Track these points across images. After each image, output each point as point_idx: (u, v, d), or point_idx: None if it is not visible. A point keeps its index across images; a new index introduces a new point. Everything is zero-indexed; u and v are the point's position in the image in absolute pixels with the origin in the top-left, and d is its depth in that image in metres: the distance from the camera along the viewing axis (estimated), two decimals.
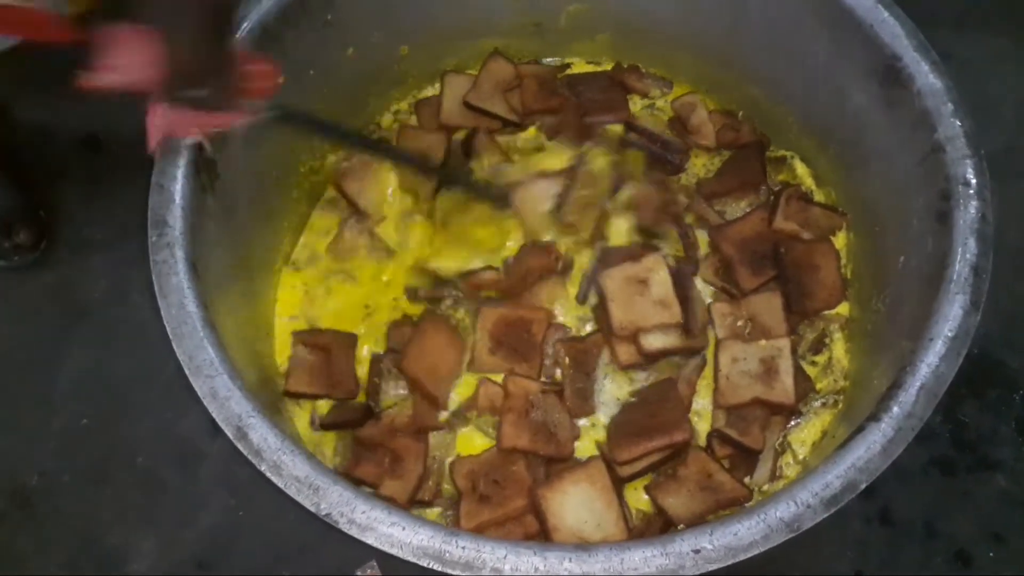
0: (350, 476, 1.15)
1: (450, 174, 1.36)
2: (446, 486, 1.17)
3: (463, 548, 0.82)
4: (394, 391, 1.22)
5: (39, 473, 1.38)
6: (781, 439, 1.21)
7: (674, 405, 1.18)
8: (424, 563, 0.82)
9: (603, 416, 1.22)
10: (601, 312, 1.24)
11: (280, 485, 0.86)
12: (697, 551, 0.83)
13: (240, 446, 0.88)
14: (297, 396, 1.21)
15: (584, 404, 1.21)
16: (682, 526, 1.14)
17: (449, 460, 1.18)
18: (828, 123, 1.32)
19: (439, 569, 0.82)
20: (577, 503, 1.09)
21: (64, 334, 1.50)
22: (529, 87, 1.46)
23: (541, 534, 1.10)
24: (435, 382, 1.20)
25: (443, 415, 1.21)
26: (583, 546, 0.83)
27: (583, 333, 1.27)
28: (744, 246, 1.31)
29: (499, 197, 1.31)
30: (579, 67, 1.54)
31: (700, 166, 1.42)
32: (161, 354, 0.97)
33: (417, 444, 1.17)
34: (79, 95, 0.89)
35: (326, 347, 1.23)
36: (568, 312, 1.29)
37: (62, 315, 1.51)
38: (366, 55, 1.37)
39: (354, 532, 0.84)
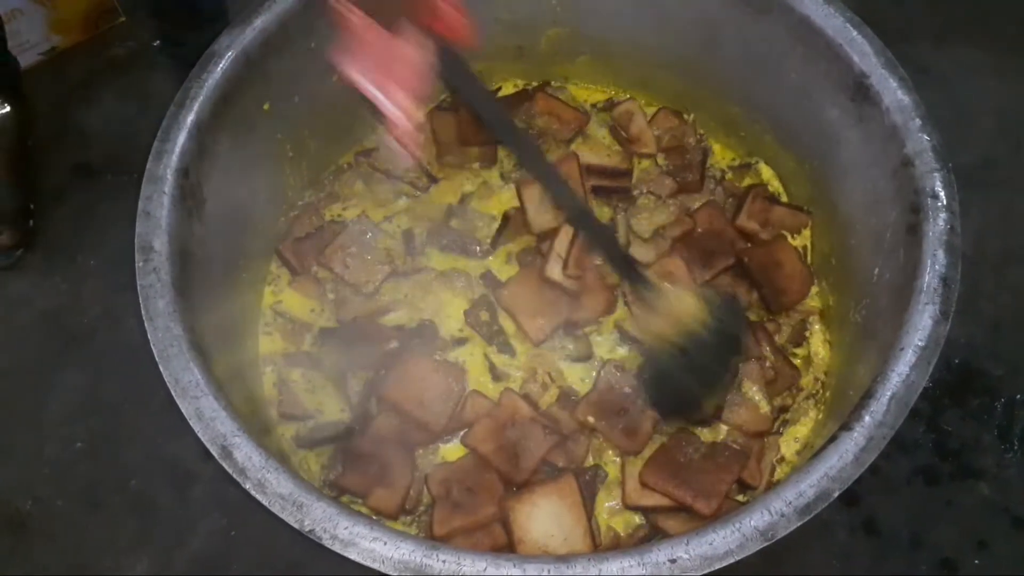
0: (337, 485, 1.17)
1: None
2: (425, 494, 1.19)
3: (443, 562, 0.84)
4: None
5: (32, 498, 1.39)
6: (775, 461, 1.23)
7: (723, 479, 1.15)
8: None
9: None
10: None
11: (264, 503, 0.88)
12: (673, 560, 0.84)
13: (225, 465, 0.90)
14: (289, 418, 1.24)
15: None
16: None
17: (426, 471, 1.19)
18: (804, 139, 1.35)
19: None
20: (545, 516, 1.10)
21: (57, 359, 1.51)
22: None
23: (508, 546, 1.11)
24: (422, 410, 1.20)
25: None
26: (563, 558, 0.84)
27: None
28: (693, 244, 1.36)
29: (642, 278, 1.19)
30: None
31: (642, 171, 1.46)
32: (153, 378, 0.98)
33: (405, 454, 1.18)
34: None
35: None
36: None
37: (55, 340, 1.53)
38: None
39: (337, 548, 0.85)
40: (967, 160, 1.63)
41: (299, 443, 1.21)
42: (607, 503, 1.20)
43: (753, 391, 1.24)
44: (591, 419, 1.21)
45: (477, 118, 1.23)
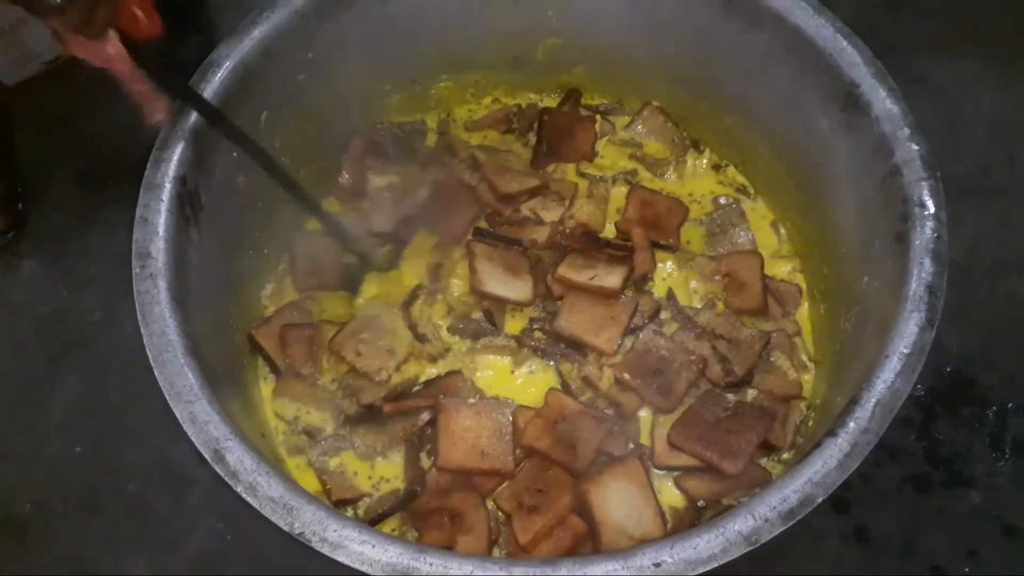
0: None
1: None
2: (501, 516, 1.19)
3: (430, 564, 0.85)
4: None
5: (31, 501, 1.40)
6: (798, 422, 1.27)
7: (749, 439, 1.18)
8: None
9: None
10: None
11: (256, 506, 0.89)
12: (657, 564, 0.85)
13: (218, 468, 0.91)
14: (344, 504, 1.22)
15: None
16: (702, 503, 1.19)
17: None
18: (795, 148, 1.36)
19: None
20: (619, 498, 1.14)
21: (58, 364, 1.53)
22: None
23: (590, 535, 1.13)
24: (487, 459, 1.19)
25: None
26: (548, 560, 0.86)
27: None
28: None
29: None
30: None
31: None
32: (152, 383, 1.00)
33: (471, 495, 1.18)
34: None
35: None
36: None
37: (56, 346, 1.54)
38: (348, 91, 1.42)
39: (326, 550, 0.87)
40: (961, 170, 1.64)
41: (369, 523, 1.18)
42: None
43: (781, 359, 1.31)
44: (627, 376, 1.25)
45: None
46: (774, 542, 0.93)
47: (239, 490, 0.90)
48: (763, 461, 1.24)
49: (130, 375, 1.48)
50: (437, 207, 1.42)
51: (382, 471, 1.23)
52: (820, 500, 0.89)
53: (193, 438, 0.93)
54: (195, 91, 1.14)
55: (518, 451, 1.20)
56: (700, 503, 1.20)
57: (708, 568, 0.86)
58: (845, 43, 1.21)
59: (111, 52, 0.96)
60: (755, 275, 1.35)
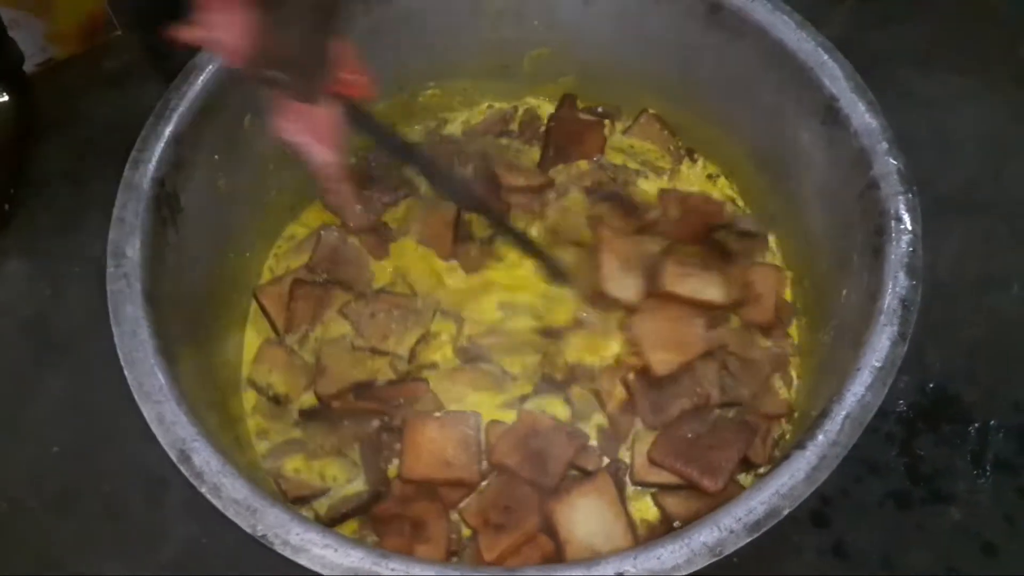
0: None
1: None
2: (464, 530, 1.18)
3: (392, 570, 0.85)
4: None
5: (7, 500, 1.40)
6: (777, 436, 1.26)
7: (729, 456, 1.18)
8: None
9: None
10: None
11: (219, 507, 0.89)
12: (621, 574, 0.85)
13: (183, 468, 0.91)
14: (301, 502, 1.22)
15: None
16: (677, 523, 1.18)
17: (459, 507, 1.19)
18: (778, 161, 1.36)
19: None
20: (586, 515, 1.12)
21: (38, 364, 1.52)
22: None
23: (555, 552, 1.12)
24: (452, 469, 1.19)
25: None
26: (510, 569, 0.85)
27: None
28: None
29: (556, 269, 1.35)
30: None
31: None
32: None
33: (433, 504, 1.17)
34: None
35: None
36: None
37: (36, 346, 1.54)
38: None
39: (288, 553, 0.86)
40: (947, 185, 1.64)
41: (327, 523, 1.19)
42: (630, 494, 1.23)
43: (776, 378, 1.31)
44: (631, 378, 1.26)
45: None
46: (752, 555, 0.93)
47: (203, 491, 0.90)
48: (740, 476, 1.23)
49: (111, 377, 1.46)
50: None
51: (334, 471, 1.23)
52: (786, 512, 0.89)
53: (160, 438, 0.93)
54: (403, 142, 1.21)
55: (484, 463, 1.20)
56: (676, 523, 1.18)
57: None
58: (826, 57, 1.21)
59: (323, 117, 0.98)
60: (771, 289, 1.34)
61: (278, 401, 1.28)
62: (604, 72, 1.51)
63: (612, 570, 0.85)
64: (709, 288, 1.31)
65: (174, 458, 0.91)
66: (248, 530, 0.87)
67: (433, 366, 1.31)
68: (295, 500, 1.21)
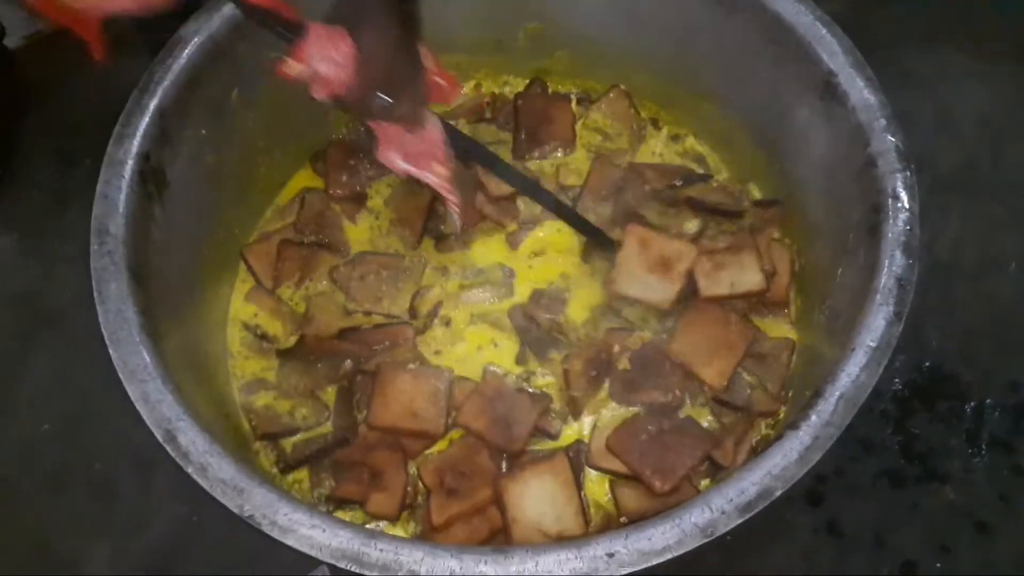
0: (334, 498, 1.17)
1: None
2: (420, 486, 1.19)
3: (381, 550, 0.84)
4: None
5: None
6: (755, 442, 1.25)
7: (684, 461, 1.17)
8: (343, 565, 0.84)
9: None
10: None
11: (206, 487, 0.88)
12: (611, 555, 0.84)
13: (169, 448, 0.90)
14: (269, 438, 1.23)
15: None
16: (624, 519, 1.18)
17: (417, 461, 1.21)
18: (775, 137, 1.34)
19: (357, 571, 0.83)
20: (538, 495, 1.12)
21: (28, 342, 1.51)
22: None
23: (503, 530, 1.13)
24: (418, 421, 1.20)
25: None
26: (500, 548, 0.85)
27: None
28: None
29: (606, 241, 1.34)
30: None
31: None
32: None
33: (395, 455, 1.18)
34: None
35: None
36: None
37: (27, 324, 1.53)
38: None
39: (275, 534, 0.86)
40: (948, 165, 1.62)
41: (285, 466, 1.21)
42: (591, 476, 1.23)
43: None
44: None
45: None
46: (745, 534, 0.92)
47: (189, 471, 0.89)
48: (707, 481, 1.22)
49: (102, 354, 1.46)
50: None
51: (304, 411, 1.24)
52: (779, 493, 0.88)
53: (145, 417, 0.92)
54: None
55: (450, 420, 1.21)
56: (623, 519, 1.18)
57: (663, 559, 0.85)
58: (824, 31, 1.19)
59: (430, 138, 0.98)
60: (785, 266, 1.32)
61: (264, 338, 1.30)
62: (598, 47, 1.49)
63: (603, 551, 0.84)
64: (746, 275, 1.27)
65: (160, 438, 0.90)
66: (235, 510, 0.86)
67: (436, 316, 1.33)
68: (263, 436, 1.23)
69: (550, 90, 1.57)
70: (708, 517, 0.87)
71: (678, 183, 1.42)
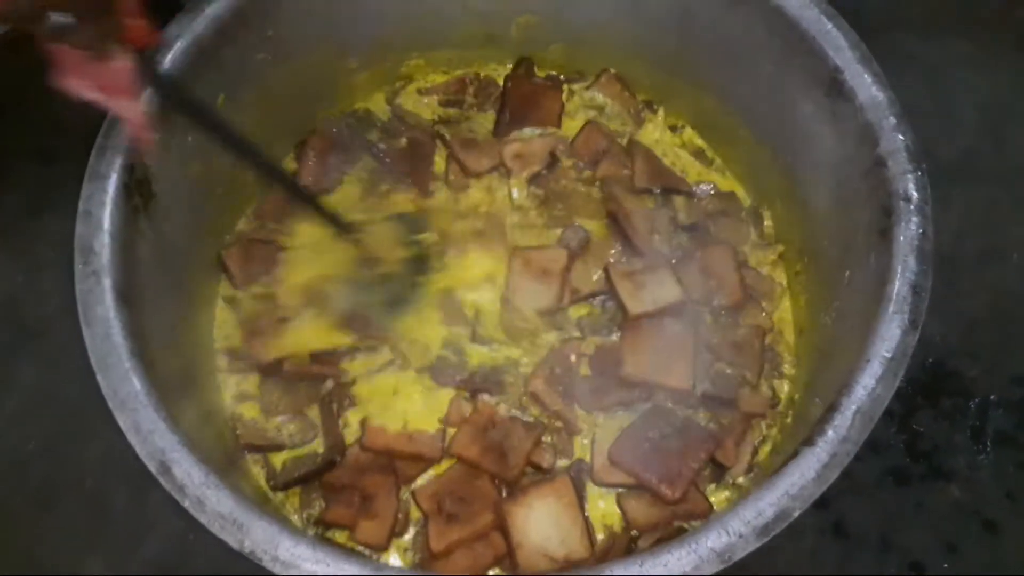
0: (322, 521, 1.14)
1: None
2: (414, 510, 1.17)
3: None
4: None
5: None
6: (757, 443, 1.23)
7: (690, 465, 1.15)
8: None
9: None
10: None
11: (203, 522, 0.85)
12: None
13: (163, 481, 0.87)
14: (255, 450, 1.21)
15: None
16: (634, 532, 1.16)
17: (413, 487, 1.18)
18: (777, 133, 1.31)
19: None
20: (542, 518, 1.10)
21: (11, 353, 1.46)
22: None
23: (508, 556, 1.10)
24: (414, 443, 1.18)
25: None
26: None
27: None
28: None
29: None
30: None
31: None
32: None
33: (387, 479, 1.16)
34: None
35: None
36: None
37: (10, 333, 1.48)
38: (311, 69, 1.36)
39: (278, 569, 0.83)
40: (948, 154, 1.59)
41: (276, 485, 1.18)
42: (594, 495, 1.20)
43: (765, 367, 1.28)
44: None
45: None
46: None
47: (186, 505, 0.85)
48: (711, 487, 1.20)
49: (88, 365, 1.42)
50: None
51: (291, 429, 1.22)
52: (797, 514, 0.86)
53: (137, 449, 0.88)
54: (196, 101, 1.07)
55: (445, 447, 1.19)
56: (634, 532, 1.16)
57: None
58: (830, 25, 1.15)
59: (118, 70, 0.91)
60: (730, 269, 1.30)
61: (241, 357, 1.27)
62: (593, 40, 1.45)
63: None
64: (665, 290, 1.26)
65: (153, 470, 0.87)
66: (235, 546, 0.83)
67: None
68: (247, 447, 1.20)
69: (540, 74, 1.53)
70: (725, 541, 0.84)
71: (656, 190, 1.39)
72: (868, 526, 1.35)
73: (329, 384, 1.22)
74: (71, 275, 1.50)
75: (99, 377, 0.91)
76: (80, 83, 0.93)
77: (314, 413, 1.22)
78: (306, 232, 1.30)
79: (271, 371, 1.23)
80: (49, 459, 1.39)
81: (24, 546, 1.33)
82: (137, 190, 1.06)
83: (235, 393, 1.25)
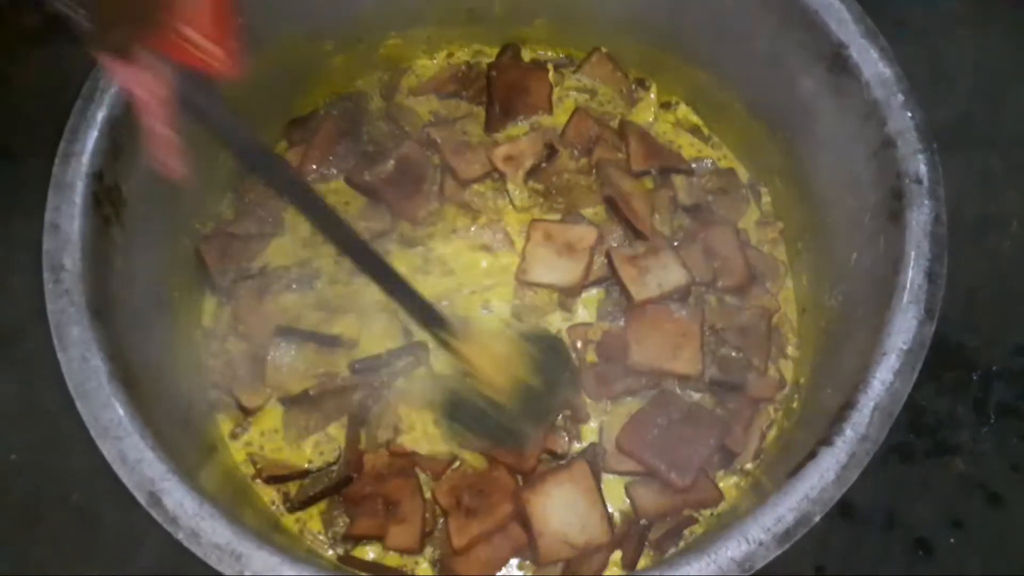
0: (351, 537, 1.11)
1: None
2: (439, 511, 1.14)
3: None
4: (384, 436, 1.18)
5: None
6: (765, 428, 1.21)
7: (699, 451, 1.13)
8: None
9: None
10: None
11: (199, 554, 0.81)
12: None
13: (154, 513, 0.82)
14: (277, 480, 1.17)
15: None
16: (644, 521, 1.14)
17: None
18: (776, 109, 1.27)
19: None
20: (561, 505, 1.08)
21: None
22: None
23: (529, 546, 1.09)
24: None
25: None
26: None
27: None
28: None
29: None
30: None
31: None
32: None
33: (408, 481, 1.13)
34: None
35: None
36: None
37: None
38: (286, 54, 1.29)
39: None
40: (944, 118, 1.52)
41: (292, 507, 1.14)
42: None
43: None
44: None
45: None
46: None
47: (180, 537, 0.81)
48: (720, 473, 1.18)
49: None
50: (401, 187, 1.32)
51: (308, 450, 1.18)
52: (818, 519, 0.83)
53: (125, 480, 0.83)
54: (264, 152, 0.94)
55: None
56: (643, 521, 1.14)
57: None
58: None
59: (151, 82, 0.76)
60: (735, 250, 1.26)
61: (245, 411, 1.20)
62: (580, 12, 1.39)
63: None
64: (670, 273, 1.23)
65: (143, 502, 0.82)
66: None
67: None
68: (268, 479, 1.16)
69: (527, 58, 1.47)
70: (745, 550, 0.82)
71: (654, 171, 1.35)
72: (874, 504, 1.34)
73: (358, 395, 1.18)
74: (41, 280, 1.45)
75: (78, 404, 0.86)
76: (121, 75, 0.78)
77: (334, 430, 1.18)
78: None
79: (296, 401, 1.18)
80: (32, 472, 1.34)
81: (10, 563, 1.29)
82: (107, 199, 1.00)
83: (240, 422, 1.21)
